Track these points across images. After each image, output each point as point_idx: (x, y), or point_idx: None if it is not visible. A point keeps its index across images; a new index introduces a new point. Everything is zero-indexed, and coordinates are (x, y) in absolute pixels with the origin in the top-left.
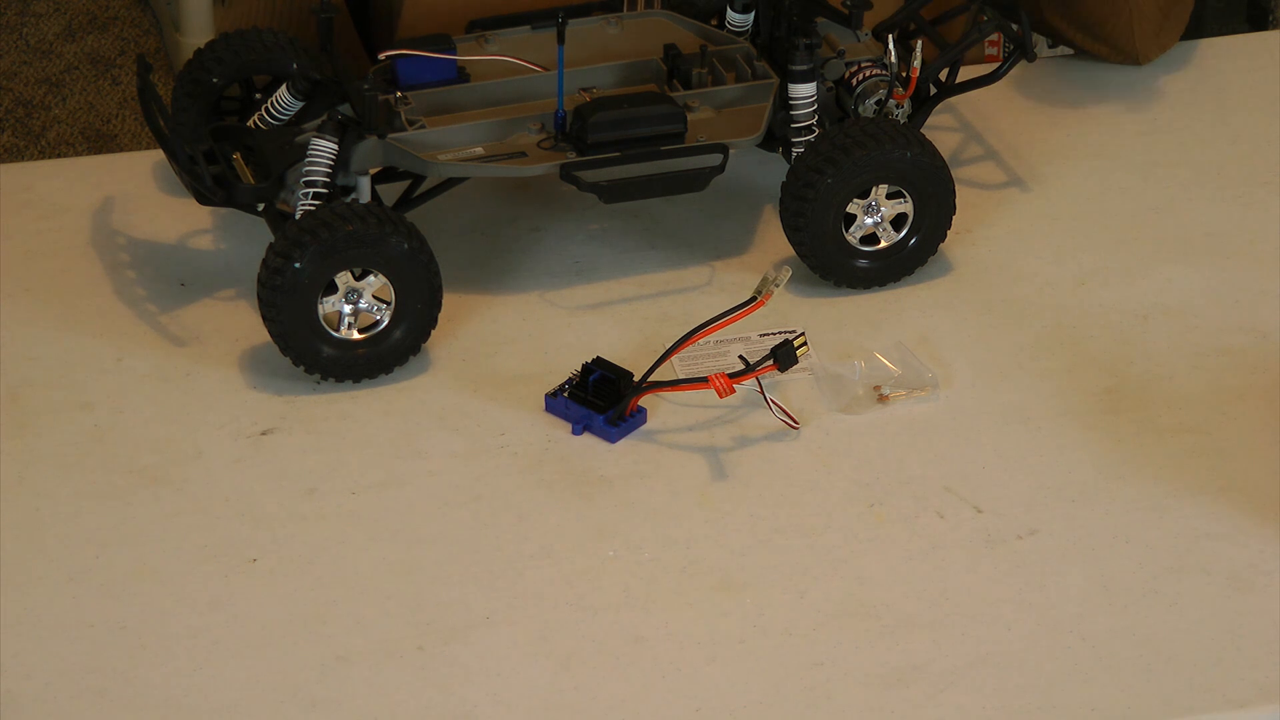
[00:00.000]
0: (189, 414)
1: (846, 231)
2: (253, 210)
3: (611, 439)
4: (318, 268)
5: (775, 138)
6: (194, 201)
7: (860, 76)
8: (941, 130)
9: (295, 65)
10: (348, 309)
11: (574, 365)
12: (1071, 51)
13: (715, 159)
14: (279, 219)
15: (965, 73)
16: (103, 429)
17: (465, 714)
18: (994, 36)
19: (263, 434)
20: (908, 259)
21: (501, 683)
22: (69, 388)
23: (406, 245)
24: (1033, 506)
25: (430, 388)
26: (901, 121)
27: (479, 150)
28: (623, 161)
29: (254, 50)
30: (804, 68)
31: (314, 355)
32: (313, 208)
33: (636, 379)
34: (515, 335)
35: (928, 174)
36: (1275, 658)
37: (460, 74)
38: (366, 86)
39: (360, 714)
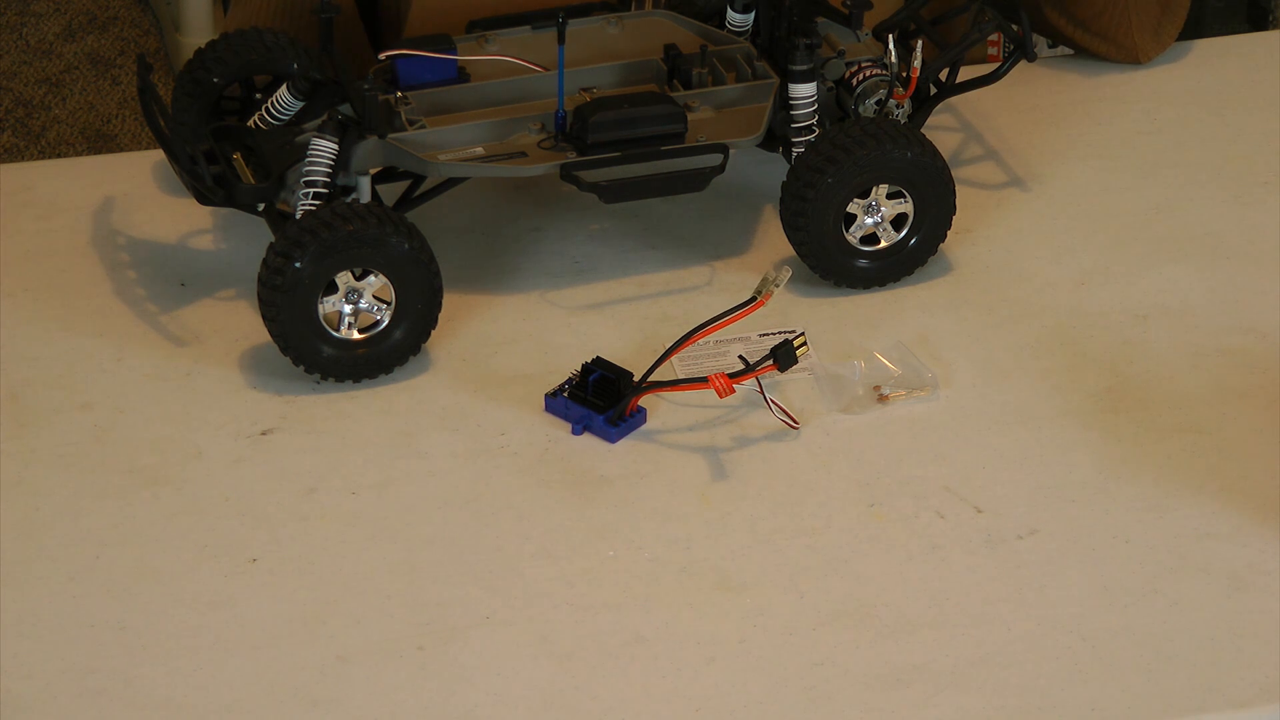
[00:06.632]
0: (189, 414)
1: (846, 231)
2: (253, 210)
3: (611, 439)
4: (318, 267)
5: (775, 138)
6: (194, 201)
7: (860, 76)
8: (941, 130)
9: (296, 65)
10: (348, 309)
11: (574, 365)
12: (1071, 51)
13: (715, 159)
14: (279, 219)
15: (965, 73)
16: (103, 429)
17: (465, 714)
18: (994, 36)
19: (263, 434)
20: (908, 259)
21: (501, 683)
22: (69, 388)
23: (407, 245)
24: (1033, 506)
25: (430, 388)
26: (901, 121)
27: (479, 150)
28: (623, 161)
29: (254, 50)
30: (804, 68)
31: (314, 355)
32: (313, 208)
33: (636, 379)
34: (515, 335)
35: (928, 174)
36: (1275, 658)
37: (460, 74)
38: (367, 86)
39: (360, 714)
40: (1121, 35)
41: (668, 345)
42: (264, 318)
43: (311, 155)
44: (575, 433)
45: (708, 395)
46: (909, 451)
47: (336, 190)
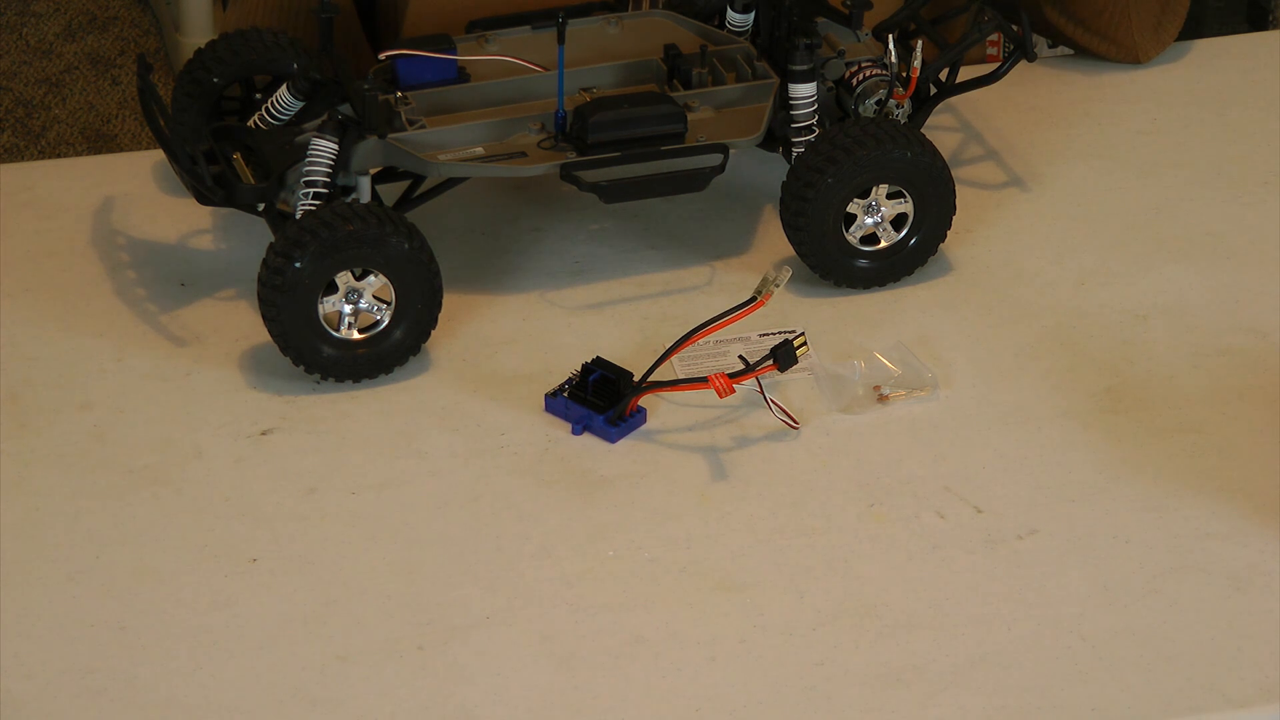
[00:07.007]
0: (189, 414)
1: (846, 231)
2: (253, 210)
3: (611, 439)
4: (318, 267)
5: (775, 138)
6: (194, 201)
7: (860, 76)
8: (941, 130)
9: (296, 65)
10: (348, 309)
11: (574, 365)
12: (1071, 51)
13: (715, 159)
14: (279, 219)
15: (965, 73)
16: (103, 429)
17: (465, 714)
18: (994, 36)
19: (263, 434)
20: (908, 259)
21: (501, 683)
22: (69, 388)
23: (406, 245)
24: (1033, 506)
25: (430, 388)
26: (901, 121)
27: (479, 150)
28: (623, 161)
29: (254, 50)
30: (804, 68)
31: (314, 355)
32: (313, 208)
33: (636, 379)
34: (515, 335)
35: (928, 174)
36: (1275, 658)
37: (460, 74)
38: (367, 86)
39: (360, 714)
40: (1121, 35)
41: (668, 345)
42: (264, 318)
43: (311, 155)
44: (575, 433)
45: (708, 395)
46: (909, 451)
47: (336, 190)
